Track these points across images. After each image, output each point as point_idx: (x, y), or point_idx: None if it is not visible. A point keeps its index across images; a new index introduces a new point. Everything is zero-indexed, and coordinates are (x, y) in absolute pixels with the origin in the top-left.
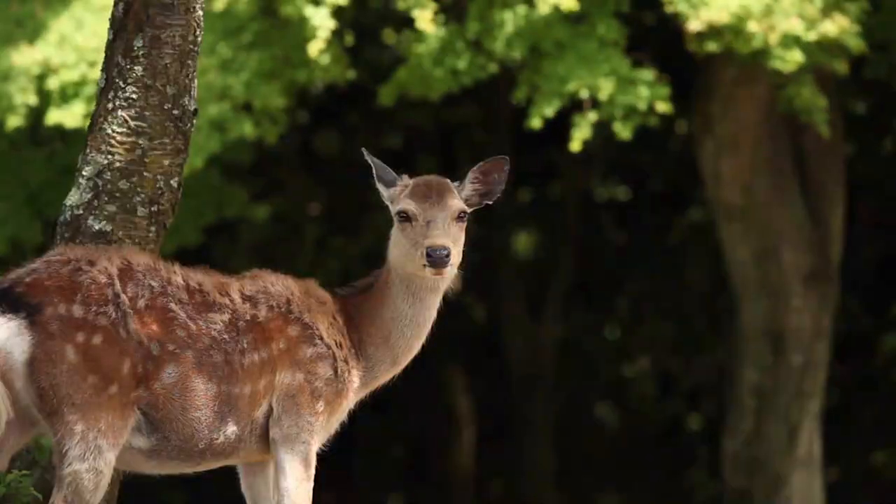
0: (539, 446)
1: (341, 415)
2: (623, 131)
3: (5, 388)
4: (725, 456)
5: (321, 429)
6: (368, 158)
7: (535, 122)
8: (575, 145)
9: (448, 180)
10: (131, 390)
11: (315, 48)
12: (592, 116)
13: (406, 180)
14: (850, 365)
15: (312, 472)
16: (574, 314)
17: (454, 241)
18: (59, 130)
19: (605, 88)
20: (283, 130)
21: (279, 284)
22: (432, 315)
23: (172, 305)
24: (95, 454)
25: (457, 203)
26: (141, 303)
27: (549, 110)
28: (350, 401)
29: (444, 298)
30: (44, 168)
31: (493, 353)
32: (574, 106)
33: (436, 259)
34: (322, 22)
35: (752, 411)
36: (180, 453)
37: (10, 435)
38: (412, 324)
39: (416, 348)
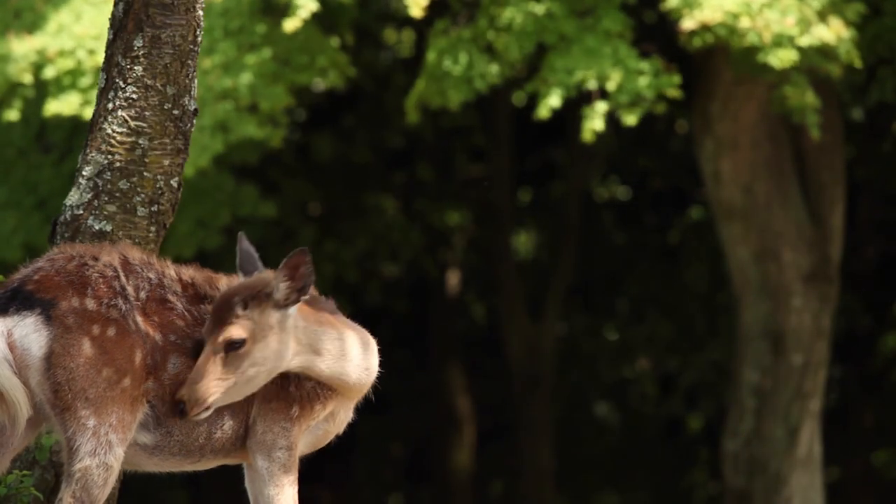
0: (539, 446)
1: (327, 420)
2: (629, 118)
3: (24, 386)
4: (725, 456)
5: (300, 434)
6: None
7: (543, 112)
8: (587, 135)
9: (240, 289)
10: (142, 382)
11: (291, 25)
12: (602, 107)
13: (266, 274)
14: (850, 365)
15: (295, 476)
16: (574, 314)
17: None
18: (63, 135)
19: (614, 78)
20: (284, 133)
21: None
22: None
23: (170, 296)
24: (106, 449)
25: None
26: (143, 294)
27: (556, 100)
28: (329, 405)
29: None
30: (52, 174)
31: (493, 353)
32: (581, 97)
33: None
34: (304, 3)
35: (752, 411)
36: (182, 449)
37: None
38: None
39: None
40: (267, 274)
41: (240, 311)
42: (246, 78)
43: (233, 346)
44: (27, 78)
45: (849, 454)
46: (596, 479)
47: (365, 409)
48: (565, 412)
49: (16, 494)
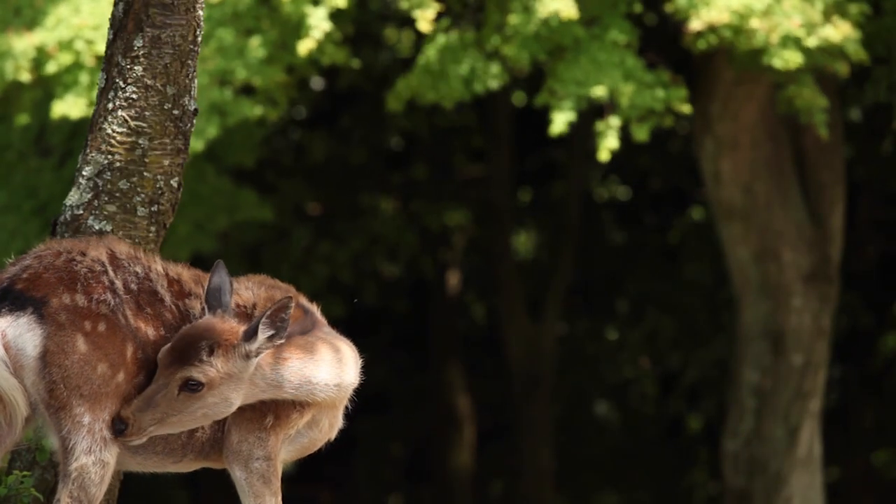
0: (539, 446)
1: (310, 427)
2: (639, 133)
3: (22, 386)
4: (725, 456)
5: (277, 443)
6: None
7: (558, 128)
8: (603, 155)
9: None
10: (134, 377)
11: (305, 47)
12: (615, 122)
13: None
14: (850, 365)
15: (277, 485)
16: (574, 314)
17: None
18: (63, 138)
19: (626, 93)
20: (284, 110)
21: (253, 289)
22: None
23: (158, 288)
24: (101, 445)
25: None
26: (133, 287)
27: (571, 115)
28: (307, 414)
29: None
30: (52, 178)
31: (493, 353)
32: (592, 109)
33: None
34: (318, 23)
35: (752, 411)
36: (165, 447)
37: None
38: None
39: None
40: (235, 320)
41: (204, 356)
42: (243, 61)
43: (189, 388)
44: (25, 76)
45: (849, 454)
46: (596, 479)
47: (365, 409)
48: (565, 412)
49: (16, 495)
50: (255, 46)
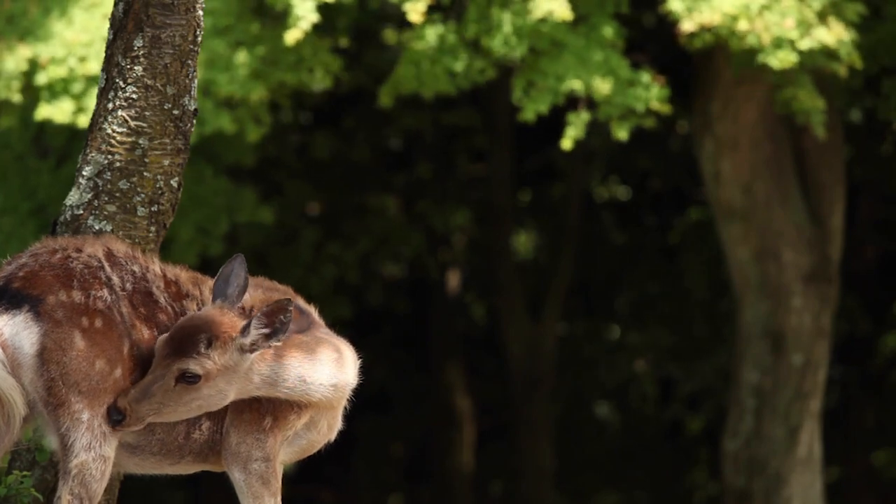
0: (539, 446)
1: (308, 429)
2: (619, 132)
3: (20, 385)
4: (725, 456)
5: (276, 444)
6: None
7: (528, 115)
8: (566, 143)
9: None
10: (131, 373)
11: (292, 37)
12: (586, 116)
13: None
14: (850, 365)
15: (277, 486)
16: (574, 314)
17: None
18: (61, 140)
19: (602, 88)
20: (267, 130)
21: (250, 291)
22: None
23: (153, 289)
24: (101, 441)
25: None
26: (128, 286)
27: (544, 106)
28: (304, 415)
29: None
30: (50, 180)
31: (493, 353)
32: (570, 104)
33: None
34: (305, 14)
35: (752, 411)
36: (162, 448)
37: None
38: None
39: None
40: (234, 313)
41: (202, 349)
42: (230, 74)
43: (185, 379)
44: (16, 97)
45: (849, 454)
46: (596, 479)
47: (365, 409)
48: (565, 412)
49: (16, 495)
50: (242, 63)
